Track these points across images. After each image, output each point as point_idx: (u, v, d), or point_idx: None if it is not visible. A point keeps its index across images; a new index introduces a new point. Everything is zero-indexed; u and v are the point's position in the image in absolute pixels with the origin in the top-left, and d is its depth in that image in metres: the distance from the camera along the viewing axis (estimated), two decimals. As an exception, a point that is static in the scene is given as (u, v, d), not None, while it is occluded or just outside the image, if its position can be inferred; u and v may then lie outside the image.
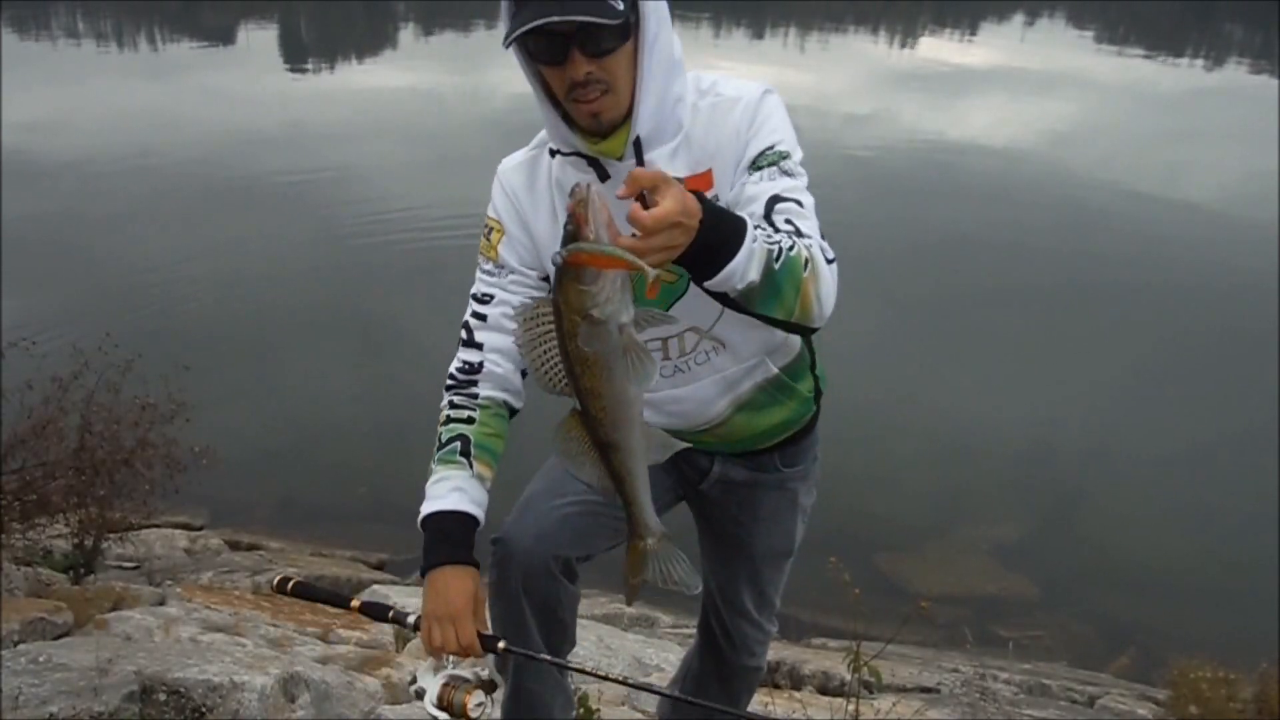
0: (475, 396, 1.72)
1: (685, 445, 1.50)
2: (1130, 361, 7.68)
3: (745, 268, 1.30)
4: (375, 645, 3.75)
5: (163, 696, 2.49)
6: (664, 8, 1.51)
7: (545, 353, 1.31)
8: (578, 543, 1.73)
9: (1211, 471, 6.61)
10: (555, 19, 1.39)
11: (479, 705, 1.58)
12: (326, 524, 6.23)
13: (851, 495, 5.95)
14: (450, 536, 1.66)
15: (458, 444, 1.69)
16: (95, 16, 29.54)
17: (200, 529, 5.99)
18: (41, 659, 2.64)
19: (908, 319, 8.32)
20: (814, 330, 1.48)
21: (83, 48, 24.78)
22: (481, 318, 1.73)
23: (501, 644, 1.62)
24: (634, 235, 1.19)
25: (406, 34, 29.66)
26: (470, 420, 1.70)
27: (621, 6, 1.44)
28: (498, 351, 1.71)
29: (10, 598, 3.58)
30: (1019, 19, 33.79)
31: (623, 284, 1.23)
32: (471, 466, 1.68)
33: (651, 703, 3.18)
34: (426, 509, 1.70)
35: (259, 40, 26.34)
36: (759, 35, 29.45)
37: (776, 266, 1.33)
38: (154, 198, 11.34)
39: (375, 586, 4.73)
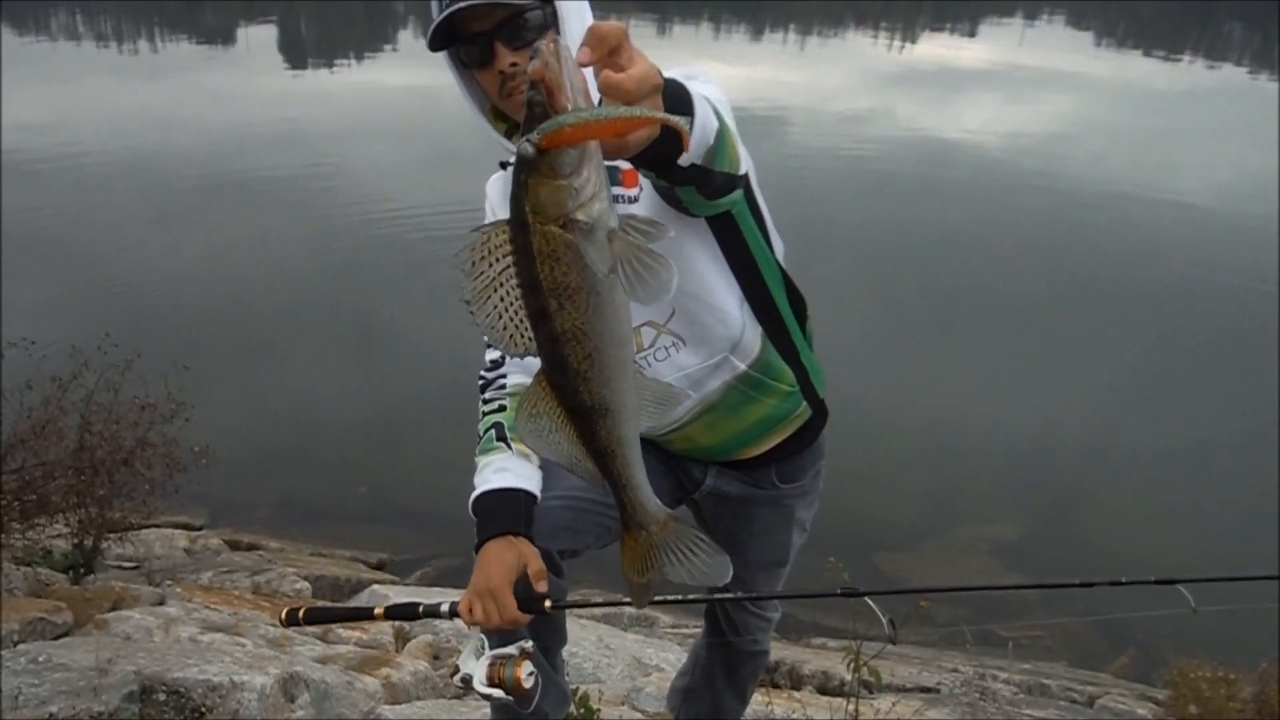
0: (503, 388, 1.74)
1: (689, 395, 1.39)
2: (1130, 361, 7.68)
3: (706, 116, 1.18)
4: (375, 645, 3.75)
5: (162, 696, 2.49)
6: (585, 6, 1.54)
7: (504, 299, 1.01)
8: (561, 536, 1.68)
9: (1211, 470, 6.61)
10: (480, 1, 1.43)
11: (530, 675, 1.56)
12: (326, 524, 6.23)
13: (851, 495, 5.95)
14: (493, 513, 1.62)
15: (493, 432, 1.69)
16: (95, 16, 29.54)
17: (200, 529, 5.99)
18: (41, 659, 2.64)
19: (908, 318, 8.32)
20: (743, 177, 1.40)
21: (82, 48, 24.78)
22: None
23: (548, 603, 1.56)
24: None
25: (406, 34, 29.64)
26: (502, 409, 1.71)
27: None
28: None
29: (10, 598, 3.58)
30: (1019, 19, 33.79)
31: (604, 175, 0.97)
32: (510, 447, 1.67)
33: (651, 702, 3.18)
34: (472, 495, 1.66)
35: (259, 40, 26.34)
36: (759, 35, 29.46)
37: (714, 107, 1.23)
38: (154, 197, 11.34)
39: (375, 587, 4.73)
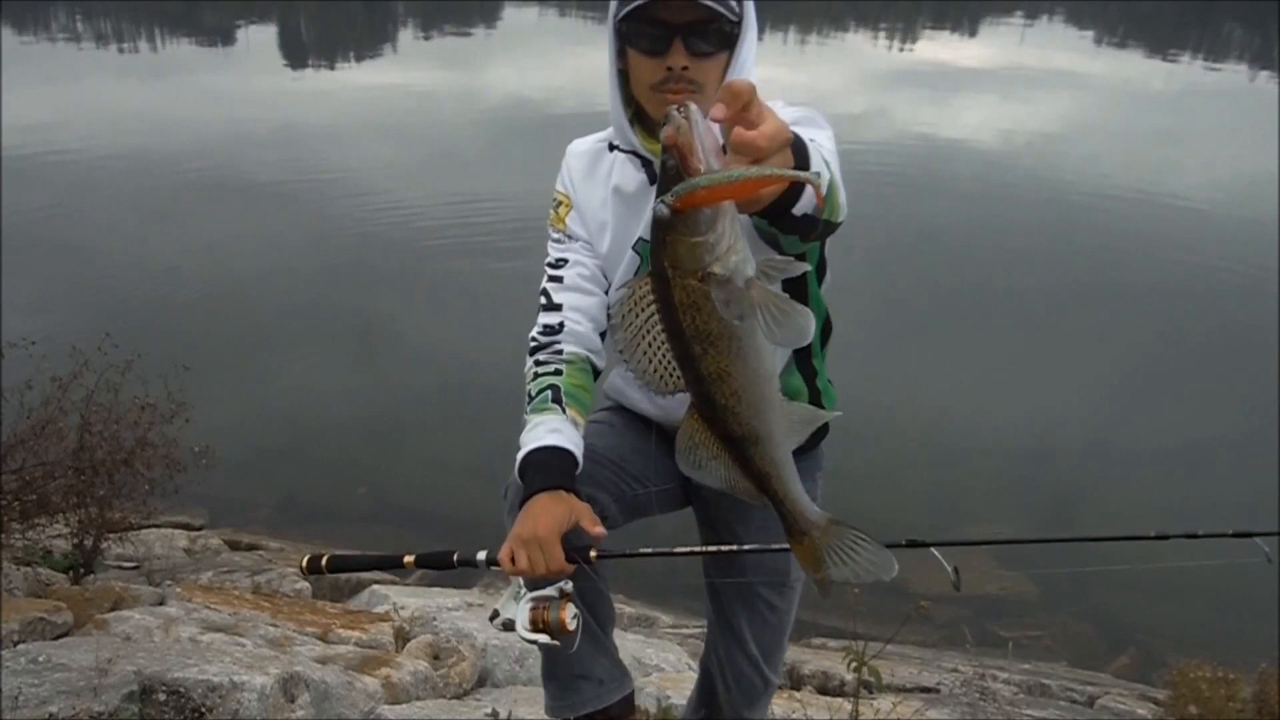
0: (560, 353, 1.72)
1: (834, 414, 1.40)
2: (1130, 360, 7.69)
3: (819, 169, 1.22)
4: (375, 645, 3.75)
5: (162, 696, 2.49)
6: (754, 37, 1.59)
7: (651, 344, 1.09)
8: (607, 489, 1.73)
9: (1211, 470, 6.61)
10: None
11: (574, 618, 1.56)
12: (326, 524, 6.23)
13: (851, 495, 5.95)
14: (545, 465, 1.60)
15: (549, 393, 1.68)
16: (95, 16, 29.54)
17: (200, 529, 5.99)
18: (41, 659, 2.64)
19: (908, 317, 8.32)
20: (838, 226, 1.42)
21: (82, 48, 24.78)
22: (558, 280, 1.75)
23: (594, 552, 1.55)
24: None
25: (406, 34, 29.65)
26: (559, 373, 1.70)
27: (738, 14, 1.53)
28: (577, 310, 1.73)
29: (10, 598, 3.58)
30: (1019, 19, 33.79)
31: (739, 227, 1.03)
32: (565, 412, 1.66)
33: (651, 702, 3.18)
34: (524, 449, 1.64)
35: (259, 40, 26.35)
36: (758, 35, 29.42)
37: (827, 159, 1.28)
38: (155, 197, 11.35)
39: (375, 586, 4.73)
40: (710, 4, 1.48)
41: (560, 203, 1.80)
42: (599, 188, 1.75)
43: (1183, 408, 7.15)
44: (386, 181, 11.89)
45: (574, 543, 1.54)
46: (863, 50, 27.29)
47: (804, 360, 1.78)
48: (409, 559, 1.69)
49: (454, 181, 11.82)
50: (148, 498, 4.37)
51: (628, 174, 1.70)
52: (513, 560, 1.52)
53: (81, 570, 4.37)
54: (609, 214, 1.74)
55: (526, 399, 1.71)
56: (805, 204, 1.20)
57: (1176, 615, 5.41)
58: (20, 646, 2.89)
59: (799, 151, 1.16)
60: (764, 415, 1.14)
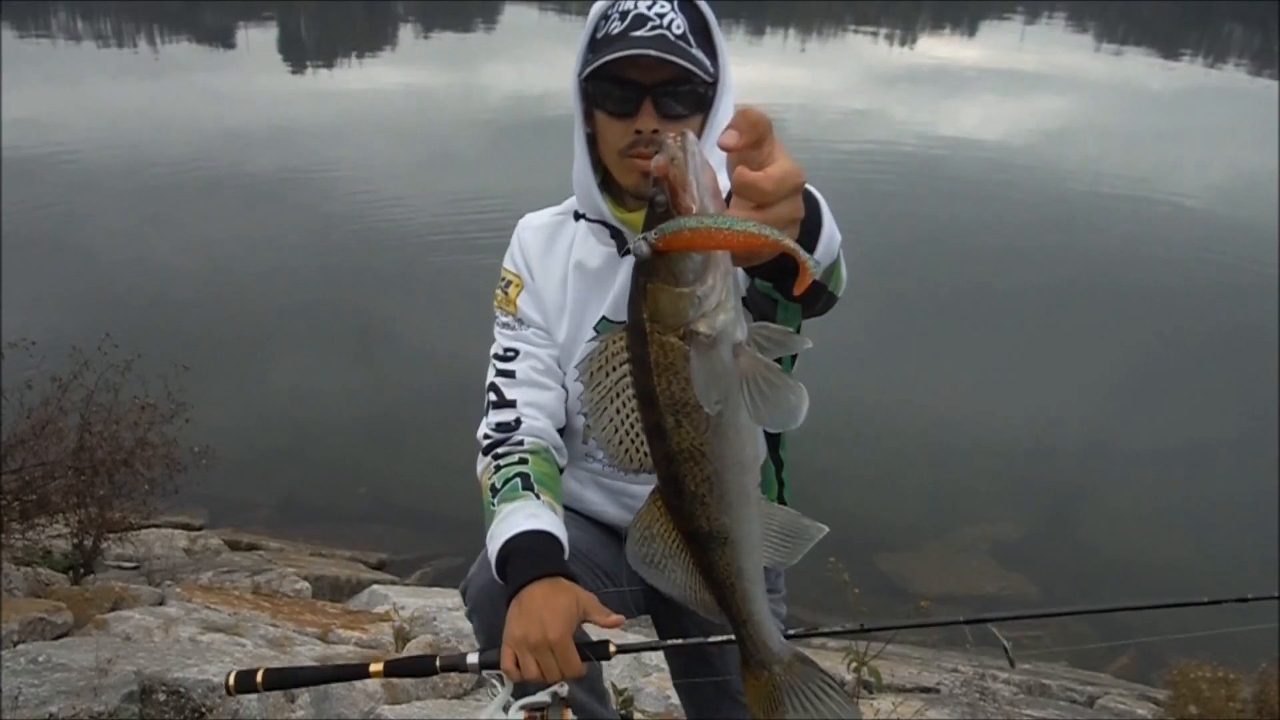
0: (521, 444, 1.54)
1: (823, 529, 1.13)
2: (1130, 360, 7.68)
3: (833, 231, 1.10)
4: (375, 645, 3.75)
5: (162, 696, 2.49)
6: (732, 100, 1.43)
7: (620, 410, 0.93)
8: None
9: (1211, 470, 6.61)
10: (653, 53, 1.32)
11: None
12: (326, 524, 6.23)
13: (852, 495, 5.96)
14: (533, 553, 1.38)
15: (518, 480, 1.48)
16: (95, 16, 29.54)
17: (200, 529, 5.99)
18: (41, 659, 2.64)
19: (908, 317, 8.31)
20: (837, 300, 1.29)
21: (82, 48, 24.79)
22: (509, 374, 1.58)
23: (613, 646, 1.37)
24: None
25: (406, 34, 29.65)
26: (524, 461, 1.51)
27: (713, 73, 1.40)
28: (533, 406, 1.56)
29: (10, 598, 3.58)
30: (1019, 19, 33.80)
31: (733, 283, 0.88)
32: (539, 498, 1.46)
33: (651, 702, 3.18)
34: (501, 539, 1.41)
35: (259, 40, 26.35)
36: (759, 35, 29.46)
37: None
38: (155, 197, 11.34)
39: (375, 587, 4.73)
40: (682, 62, 1.34)
41: (510, 282, 1.62)
42: (557, 265, 1.58)
43: (1183, 408, 7.15)
44: (387, 181, 11.89)
45: (587, 638, 1.35)
46: (863, 50, 27.30)
47: (774, 450, 1.62)
48: (376, 667, 1.40)
49: (454, 181, 11.81)
50: (148, 498, 4.37)
51: (592, 247, 1.54)
52: (518, 666, 1.31)
53: (81, 570, 4.37)
54: (568, 295, 1.56)
55: (489, 494, 1.50)
56: (819, 266, 1.04)
57: (1176, 615, 5.40)
58: (20, 646, 2.90)
59: (810, 205, 1.02)
60: (738, 512, 0.96)
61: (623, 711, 2.55)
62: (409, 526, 6.00)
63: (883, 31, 30.73)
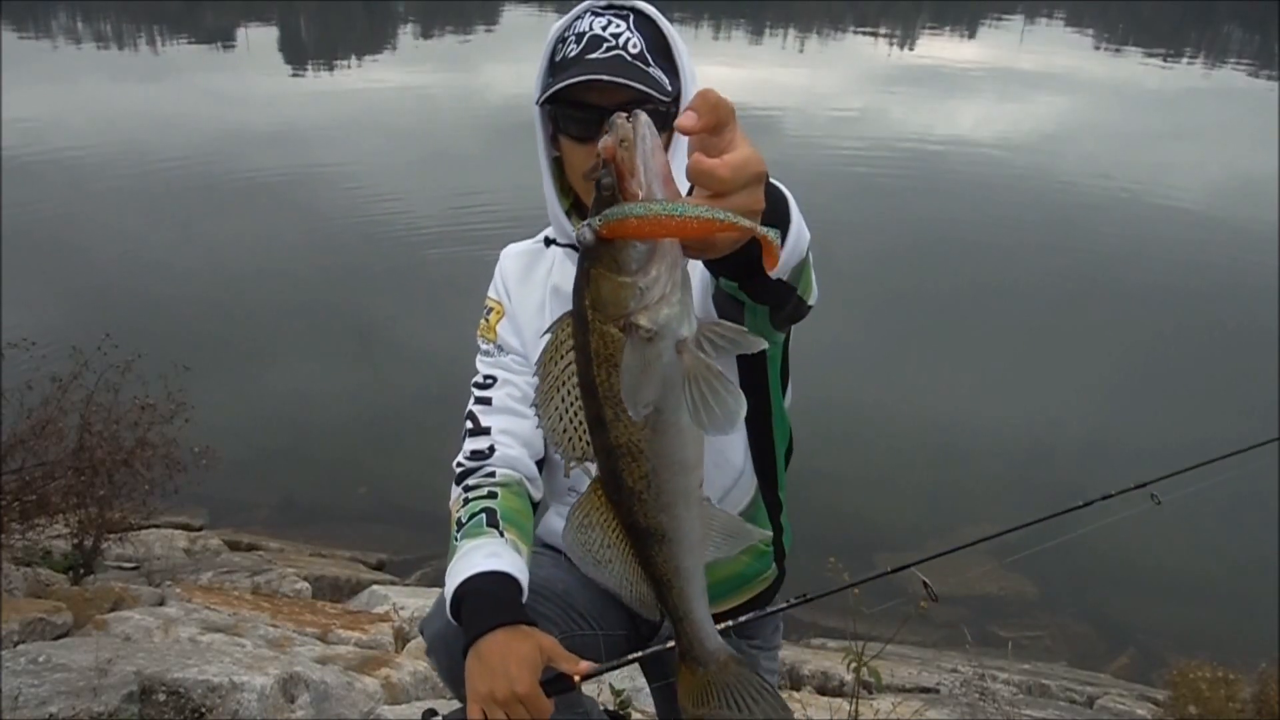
0: (492, 476, 1.52)
1: (766, 533, 1.13)
2: (1130, 360, 7.68)
3: (801, 228, 1.05)
4: (375, 645, 3.75)
5: (162, 697, 2.49)
6: None
7: (565, 399, 0.91)
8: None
9: (1211, 470, 6.60)
10: (605, 78, 1.34)
11: None
12: (326, 524, 6.23)
13: (851, 495, 5.97)
14: (493, 597, 1.33)
15: (483, 516, 1.44)
16: (95, 17, 29.56)
17: (200, 529, 5.99)
18: (41, 659, 2.64)
19: (907, 317, 8.32)
20: (809, 309, 1.26)
21: (82, 48, 24.80)
22: (486, 402, 1.57)
23: (578, 676, 1.30)
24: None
25: (406, 34, 29.66)
26: (493, 495, 1.48)
27: (671, 93, 1.39)
28: (508, 434, 1.54)
29: (10, 598, 3.58)
30: (1018, 19, 33.81)
31: (681, 276, 0.84)
32: (503, 535, 1.42)
33: (650, 702, 3.18)
34: (458, 579, 1.36)
35: (259, 41, 26.35)
36: (759, 35, 29.48)
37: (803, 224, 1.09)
38: (155, 198, 11.35)
39: (375, 587, 4.73)
40: (637, 85, 1.34)
41: (491, 310, 1.63)
42: (535, 290, 1.59)
43: (1182, 408, 7.15)
44: (386, 181, 11.89)
45: (544, 676, 1.29)
46: (862, 50, 27.30)
47: (769, 491, 1.61)
48: None
49: (454, 181, 11.81)
50: (147, 498, 4.37)
51: (568, 271, 1.50)
52: None
53: (81, 570, 4.37)
54: (546, 320, 1.53)
55: (455, 528, 1.46)
56: (786, 262, 1.02)
57: (1176, 615, 5.41)
58: (20, 647, 2.89)
59: (774, 198, 0.97)
60: (676, 511, 0.94)
61: (621, 712, 2.54)
62: (409, 526, 6.00)
63: (882, 31, 30.74)
